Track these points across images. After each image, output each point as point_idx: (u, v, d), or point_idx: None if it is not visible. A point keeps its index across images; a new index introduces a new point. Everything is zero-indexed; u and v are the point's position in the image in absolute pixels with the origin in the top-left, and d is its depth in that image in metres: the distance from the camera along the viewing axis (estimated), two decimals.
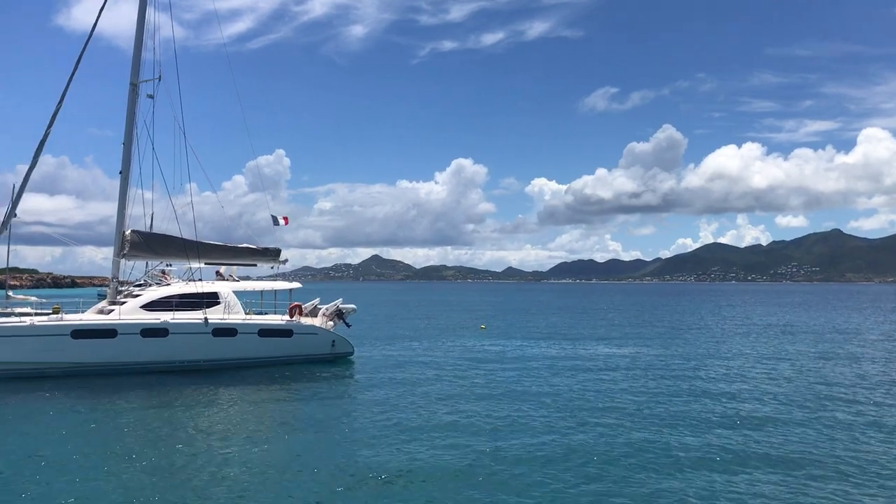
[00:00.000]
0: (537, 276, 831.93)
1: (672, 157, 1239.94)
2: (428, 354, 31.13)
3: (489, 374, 24.82)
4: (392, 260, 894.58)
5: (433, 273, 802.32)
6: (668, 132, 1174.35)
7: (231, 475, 12.24)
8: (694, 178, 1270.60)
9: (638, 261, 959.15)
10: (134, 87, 27.14)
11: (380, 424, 16.45)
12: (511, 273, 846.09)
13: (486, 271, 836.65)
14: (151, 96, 27.16)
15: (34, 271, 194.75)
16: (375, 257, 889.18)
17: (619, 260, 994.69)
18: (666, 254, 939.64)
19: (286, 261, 31.43)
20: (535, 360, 28.93)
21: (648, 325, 52.34)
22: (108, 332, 23.58)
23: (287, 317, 27.82)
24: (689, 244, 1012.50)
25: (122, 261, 27.53)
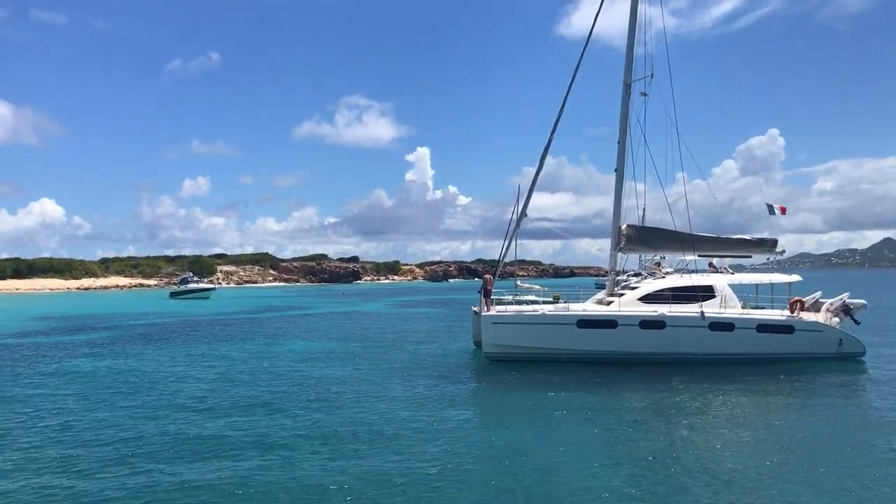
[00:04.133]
0: None
1: None
2: None
3: None
4: None
5: None
6: None
7: (722, 476, 11.92)
8: None
9: None
10: (627, 87, 28.25)
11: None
12: None
13: None
14: (644, 94, 27.93)
15: (538, 263, 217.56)
16: (888, 241, 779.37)
17: None
18: None
19: (783, 251, 29.57)
20: None
21: None
22: (609, 323, 25.02)
23: (787, 312, 26.11)
24: None
25: (619, 254, 28.99)
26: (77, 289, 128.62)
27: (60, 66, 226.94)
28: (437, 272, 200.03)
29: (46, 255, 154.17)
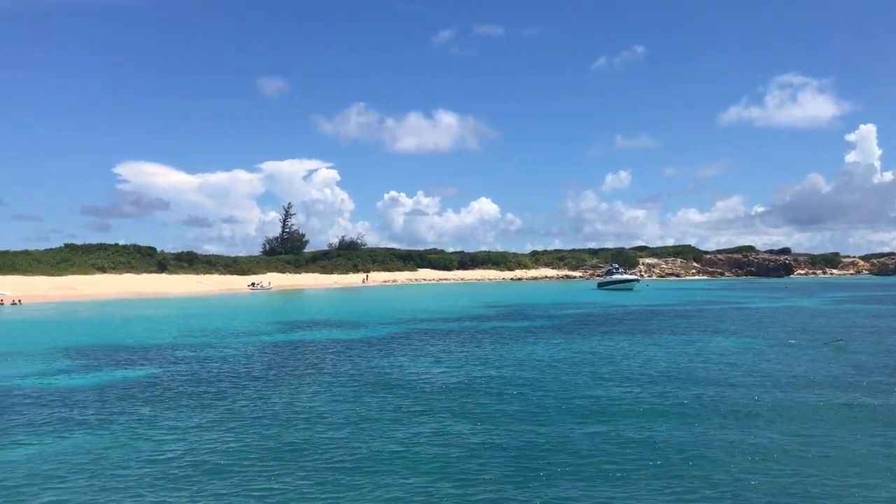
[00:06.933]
0: None
1: None
2: None
3: None
4: None
5: None
6: None
7: None
8: None
9: None
10: None
11: None
12: None
13: None
14: None
15: None
16: None
17: None
18: None
19: None
20: None
21: None
22: None
23: None
24: None
25: None
26: (511, 279, 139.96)
27: (496, 76, 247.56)
28: (888, 265, 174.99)
29: (484, 248, 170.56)
